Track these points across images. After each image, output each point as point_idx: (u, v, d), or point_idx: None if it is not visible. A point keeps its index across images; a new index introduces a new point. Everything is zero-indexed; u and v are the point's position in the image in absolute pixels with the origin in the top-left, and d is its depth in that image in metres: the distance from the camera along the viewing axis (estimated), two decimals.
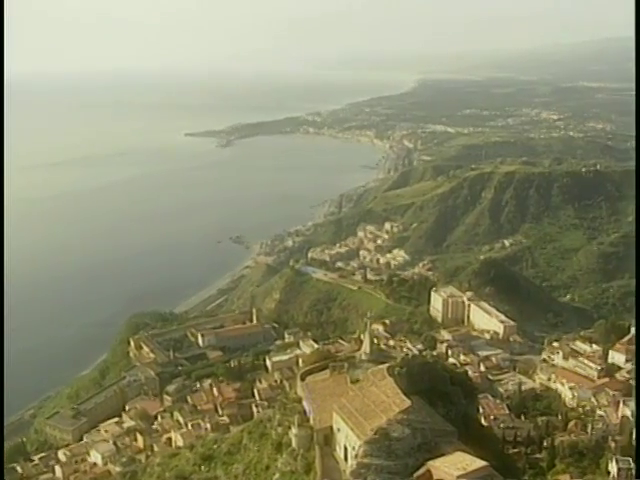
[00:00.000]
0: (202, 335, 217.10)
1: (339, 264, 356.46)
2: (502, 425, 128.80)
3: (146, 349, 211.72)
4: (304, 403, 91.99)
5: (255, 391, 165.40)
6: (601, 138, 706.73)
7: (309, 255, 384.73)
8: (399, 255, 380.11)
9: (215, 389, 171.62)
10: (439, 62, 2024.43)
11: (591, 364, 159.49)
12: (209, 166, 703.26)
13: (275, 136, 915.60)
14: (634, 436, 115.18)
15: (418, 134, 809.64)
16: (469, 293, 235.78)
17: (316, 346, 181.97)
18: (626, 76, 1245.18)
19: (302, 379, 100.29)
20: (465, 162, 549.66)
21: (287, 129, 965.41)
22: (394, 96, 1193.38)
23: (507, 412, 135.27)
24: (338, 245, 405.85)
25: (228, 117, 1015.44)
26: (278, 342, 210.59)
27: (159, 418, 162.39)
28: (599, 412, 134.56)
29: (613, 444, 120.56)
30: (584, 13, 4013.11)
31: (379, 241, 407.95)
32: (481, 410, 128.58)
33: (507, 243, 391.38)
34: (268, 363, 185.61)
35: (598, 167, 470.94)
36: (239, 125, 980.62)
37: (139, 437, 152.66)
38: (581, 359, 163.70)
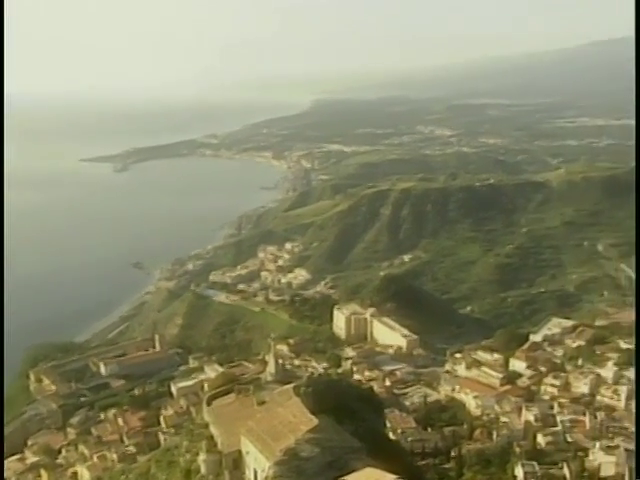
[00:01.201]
0: (104, 364, 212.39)
1: (241, 286, 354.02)
2: (410, 438, 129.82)
3: (47, 381, 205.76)
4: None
5: (161, 419, 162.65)
6: (493, 153, 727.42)
7: (210, 278, 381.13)
8: (301, 275, 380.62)
9: (120, 419, 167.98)
10: (333, 82, 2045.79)
11: (493, 373, 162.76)
12: (104, 191, 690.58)
13: (172, 159, 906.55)
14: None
15: (315, 154, 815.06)
16: (371, 309, 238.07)
17: (221, 370, 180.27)
18: (513, 92, 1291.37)
19: (208, 404, 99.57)
20: (362, 180, 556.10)
21: (184, 152, 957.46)
22: (290, 117, 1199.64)
23: (414, 425, 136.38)
24: (239, 267, 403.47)
25: (123, 142, 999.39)
26: (182, 367, 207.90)
27: (63, 452, 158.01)
28: (503, 419, 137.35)
29: (518, 449, 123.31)
30: (473, 34, 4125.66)
31: (280, 261, 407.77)
32: (388, 424, 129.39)
33: (406, 258, 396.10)
34: (173, 389, 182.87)
35: (492, 181, 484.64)
36: (135, 149, 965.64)
37: (43, 473, 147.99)
38: (483, 368, 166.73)
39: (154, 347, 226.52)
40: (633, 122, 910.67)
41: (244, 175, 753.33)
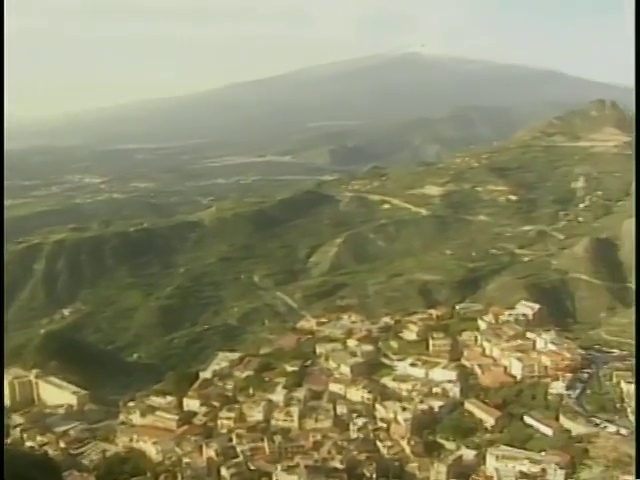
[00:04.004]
0: None
1: None
2: None
3: None
4: None
5: None
6: (145, 197, 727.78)
7: None
8: None
9: None
10: None
11: (168, 415, 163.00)
12: None
13: None
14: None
15: None
16: (35, 370, 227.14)
17: None
18: (159, 136, 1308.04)
19: None
20: (12, 236, 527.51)
21: None
22: None
23: None
24: None
25: None
26: None
27: None
28: (185, 459, 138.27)
29: None
30: (121, 79, 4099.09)
31: None
32: None
33: (66, 312, 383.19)
34: None
35: (145, 225, 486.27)
36: None
37: None
38: (158, 413, 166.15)
39: None
40: (275, 158, 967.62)
41: None
